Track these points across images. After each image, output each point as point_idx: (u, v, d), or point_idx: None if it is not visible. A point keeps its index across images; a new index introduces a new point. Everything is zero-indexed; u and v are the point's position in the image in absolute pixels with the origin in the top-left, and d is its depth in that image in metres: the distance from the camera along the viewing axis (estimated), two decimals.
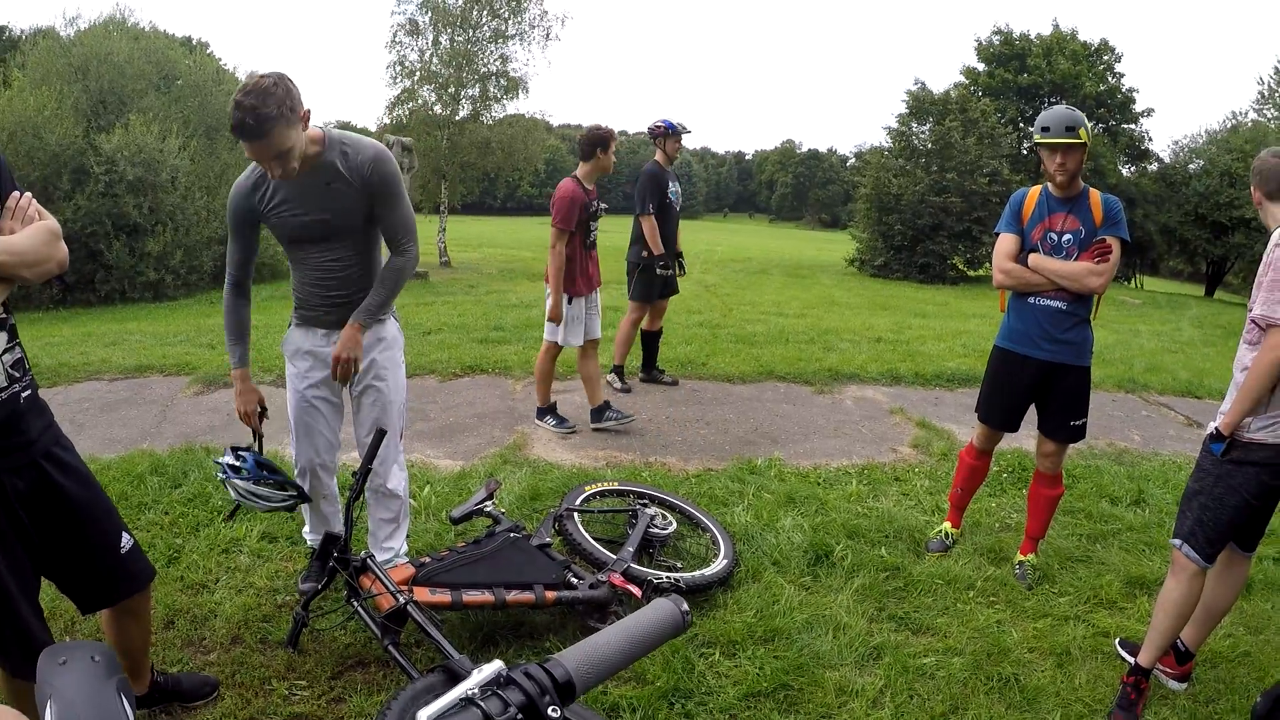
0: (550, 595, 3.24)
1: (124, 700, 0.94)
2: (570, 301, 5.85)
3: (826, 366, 8.23)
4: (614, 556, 3.64)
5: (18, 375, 2.11)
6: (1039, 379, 3.89)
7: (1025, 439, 4.98)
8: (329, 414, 3.46)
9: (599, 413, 6.07)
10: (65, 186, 15.09)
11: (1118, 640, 3.50)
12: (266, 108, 2.66)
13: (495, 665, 0.87)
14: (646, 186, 6.85)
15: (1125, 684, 3.12)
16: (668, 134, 6.96)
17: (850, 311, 13.88)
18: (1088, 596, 3.96)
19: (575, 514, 3.93)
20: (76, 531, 2.29)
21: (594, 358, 6.15)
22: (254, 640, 3.17)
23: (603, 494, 4.33)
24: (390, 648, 2.77)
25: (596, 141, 5.79)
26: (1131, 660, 3.22)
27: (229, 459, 3.07)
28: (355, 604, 2.90)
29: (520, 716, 0.81)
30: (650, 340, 7.48)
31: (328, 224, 3.10)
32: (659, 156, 7.02)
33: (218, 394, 6.55)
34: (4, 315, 2.06)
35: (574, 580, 3.36)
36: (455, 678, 1.64)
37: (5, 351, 2.06)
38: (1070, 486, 5.22)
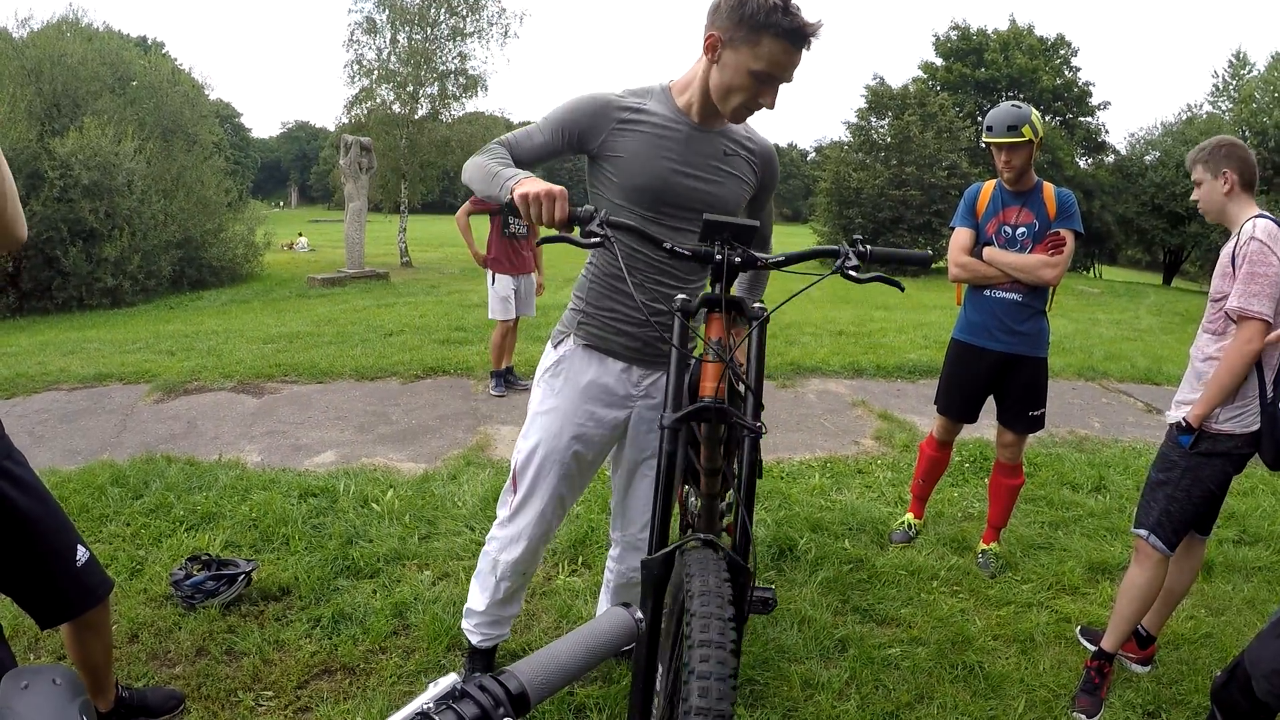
0: None
1: None
2: (495, 280, 6.85)
3: (789, 360, 8.28)
4: None
5: None
6: (996, 370, 3.94)
7: (986, 429, 5.04)
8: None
9: (494, 376, 7.08)
10: (20, 192, 14.78)
11: (1079, 629, 3.56)
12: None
13: (450, 678, 0.87)
14: None
15: (1089, 668, 3.17)
16: None
17: (812, 305, 13.96)
18: (1050, 583, 4.01)
19: None
20: (28, 547, 2.25)
21: (511, 333, 7.05)
22: (219, 652, 3.15)
23: None
24: None
25: None
26: (1093, 647, 3.28)
27: (181, 575, 3.36)
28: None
29: None
30: None
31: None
32: None
33: (178, 401, 6.48)
34: None
35: None
36: None
37: None
38: (1031, 475, 5.30)
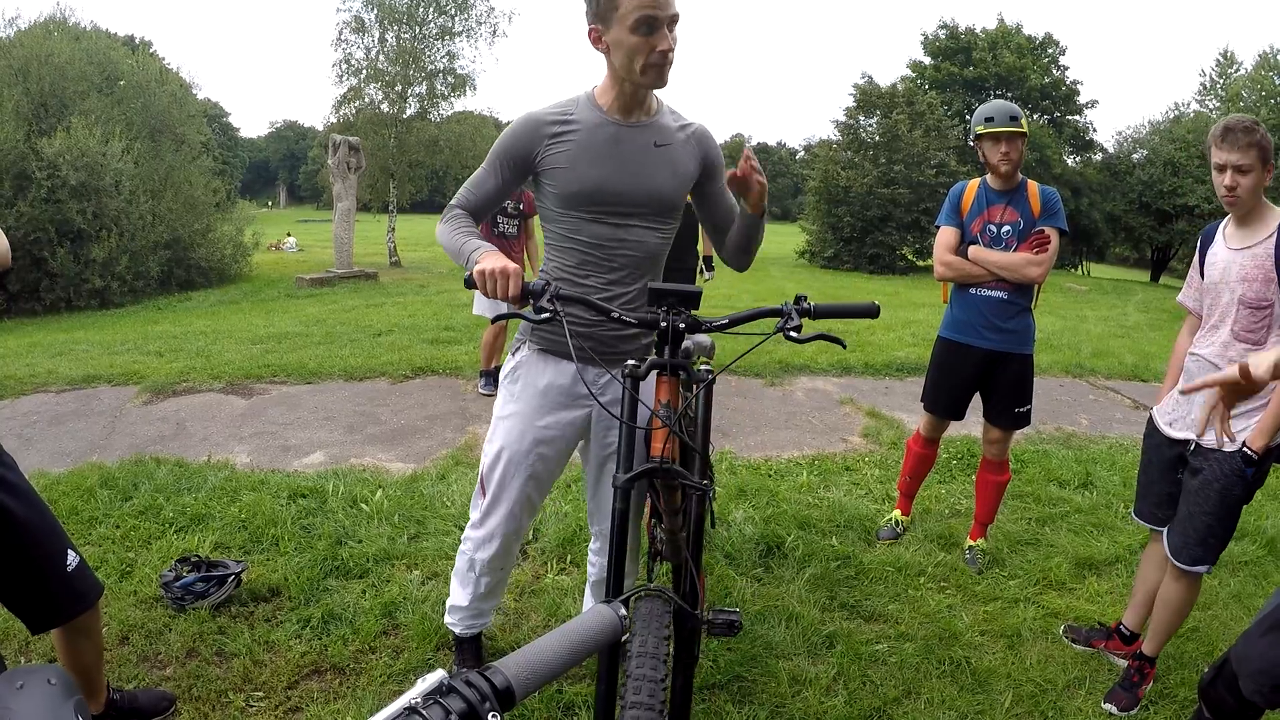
0: None
1: None
2: None
3: (777, 359, 8.29)
4: None
5: None
6: (982, 368, 3.96)
7: (973, 426, 5.07)
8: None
9: (482, 375, 7.05)
10: (7, 193, 14.76)
11: (1063, 627, 3.58)
12: None
13: (438, 674, 0.89)
14: None
15: (1130, 667, 3.19)
16: None
17: None
18: (1037, 579, 4.04)
19: None
20: (19, 552, 2.26)
21: (503, 333, 6.93)
22: (210, 653, 3.15)
23: None
24: None
25: None
26: (1079, 646, 3.37)
27: (171, 577, 3.38)
28: None
29: None
30: None
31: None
32: None
33: (167, 403, 6.47)
34: None
35: None
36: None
37: None
38: (1019, 471, 5.34)
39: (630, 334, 2.52)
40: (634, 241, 2.47)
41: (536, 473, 2.68)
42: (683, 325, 2.07)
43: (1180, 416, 3.04)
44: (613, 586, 2.04)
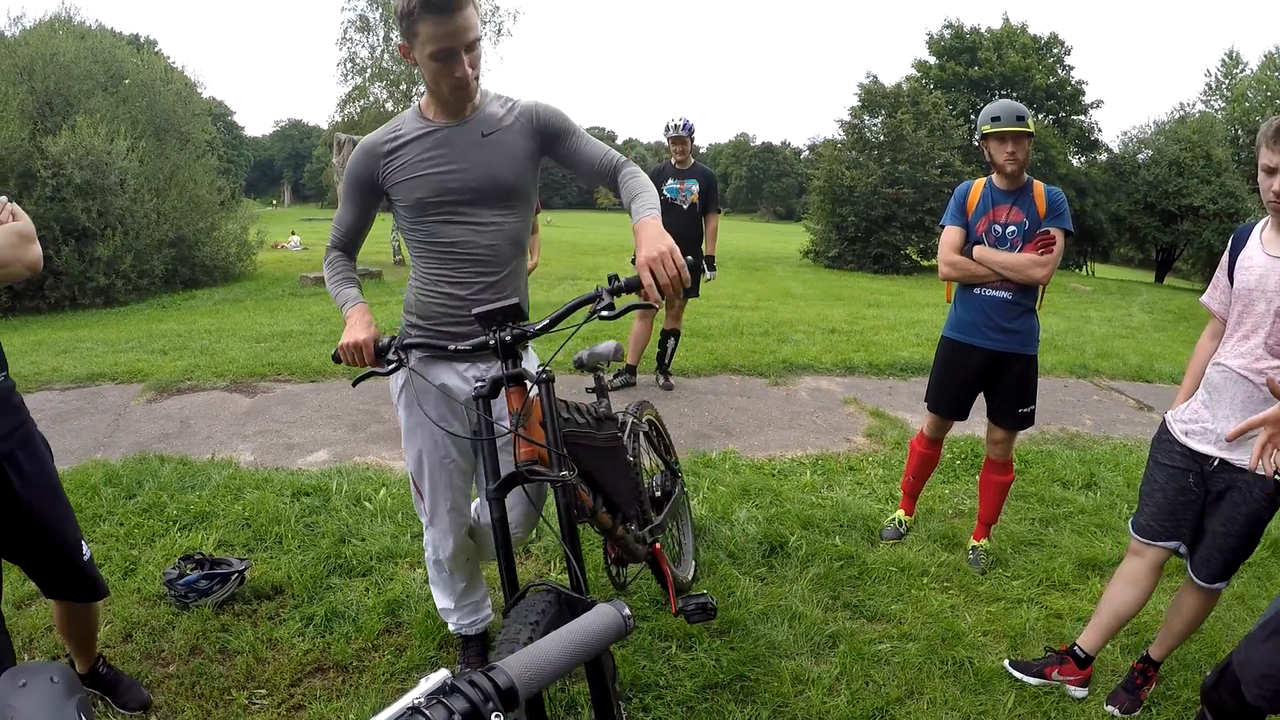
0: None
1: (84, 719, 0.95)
2: None
3: (781, 358, 8.30)
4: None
5: None
6: (986, 368, 3.96)
7: (977, 426, 5.06)
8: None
9: None
10: (12, 191, 14.78)
11: (1007, 660, 3.35)
12: None
13: (441, 674, 0.89)
14: None
15: (1134, 669, 3.16)
16: (668, 136, 7.00)
17: (805, 303, 14.00)
18: (1040, 579, 4.03)
19: None
20: (34, 537, 2.36)
21: None
22: (213, 650, 3.16)
23: None
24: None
25: None
26: (1024, 677, 3.22)
27: (175, 574, 3.41)
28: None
29: None
30: (661, 340, 7.37)
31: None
32: (673, 155, 7.06)
33: (171, 401, 6.48)
34: None
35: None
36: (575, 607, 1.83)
37: None
38: (1022, 471, 5.33)
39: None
40: (488, 230, 2.55)
41: (458, 468, 2.80)
42: (509, 338, 2.20)
43: (1199, 428, 2.86)
44: (506, 586, 2.17)
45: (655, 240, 2.17)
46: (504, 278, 2.61)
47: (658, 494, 3.43)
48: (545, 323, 2.27)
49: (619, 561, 3.11)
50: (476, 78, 2.38)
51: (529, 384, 2.21)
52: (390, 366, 2.40)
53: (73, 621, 2.71)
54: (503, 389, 2.21)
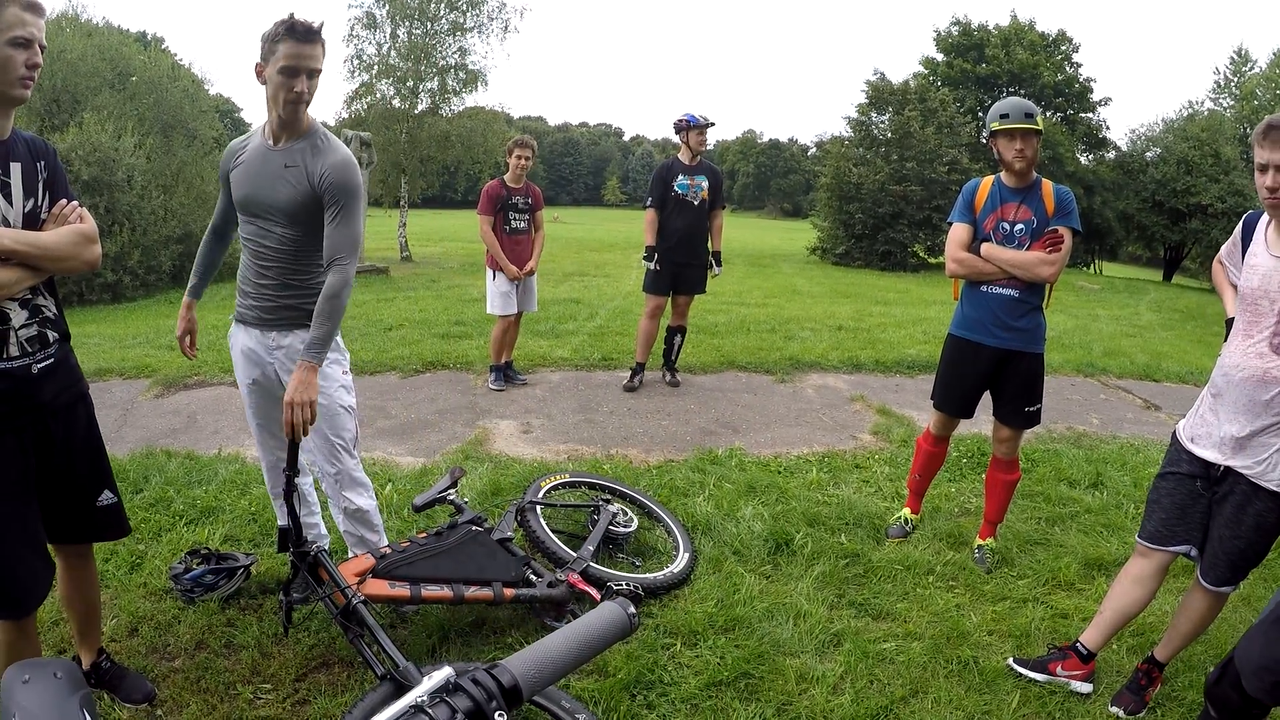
0: (508, 593, 3.27)
1: (87, 715, 0.96)
2: (495, 276, 6.92)
3: (788, 355, 8.29)
4: (574, 555, 3.66)
5: (30, 350, 2.39)
6: (993, 366, 3.95)
7: (983, 424, 5.05)
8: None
9: (493, 370, 7.15)
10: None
11: (1011, 659, 3.36)
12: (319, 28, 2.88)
13: (444, 672, 0.89)
14: (651, 180, 7.07)
15: (1139, 669, 3.15)
16: (688, 127, 6.93)
17: (812, 300, 13.97)
18: (1046, 579, 4.03)
19: (537, 507, 3.95)
20: (57, 478, 2.55)
21: (513, 328, 7.13)
22: (218, 645, 3.16)
23: (564, 486, 4.35)
24: (354, 642, 2.76)
25: (508, 151, 7.06)
26: (1030, 674, 3.22)
27: (181, 569, 3.49)
28: (320, 594, 2.90)
29: None
30: (668, 336, 7.40)
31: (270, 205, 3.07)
32: (682, 151, 7.02)
33: (178, 396, 6.50)
34: (29, 296, 2.38)
35: (532, 578, 3.41)
36: (401, 689, 1.64)
37: (23, 327, 2.37)
38: (1029, 470, 5.31)
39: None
40: (275, 236, 3.06)
41: (266, 417, 3.38)
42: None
43: (1205, 432, 2.88)
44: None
45: (301, 389, 2.81)
46: (278, 284, 3.13)
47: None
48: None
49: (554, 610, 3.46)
50: (307, 103, 2.92)
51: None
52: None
53: (83, 585, 2.82)
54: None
